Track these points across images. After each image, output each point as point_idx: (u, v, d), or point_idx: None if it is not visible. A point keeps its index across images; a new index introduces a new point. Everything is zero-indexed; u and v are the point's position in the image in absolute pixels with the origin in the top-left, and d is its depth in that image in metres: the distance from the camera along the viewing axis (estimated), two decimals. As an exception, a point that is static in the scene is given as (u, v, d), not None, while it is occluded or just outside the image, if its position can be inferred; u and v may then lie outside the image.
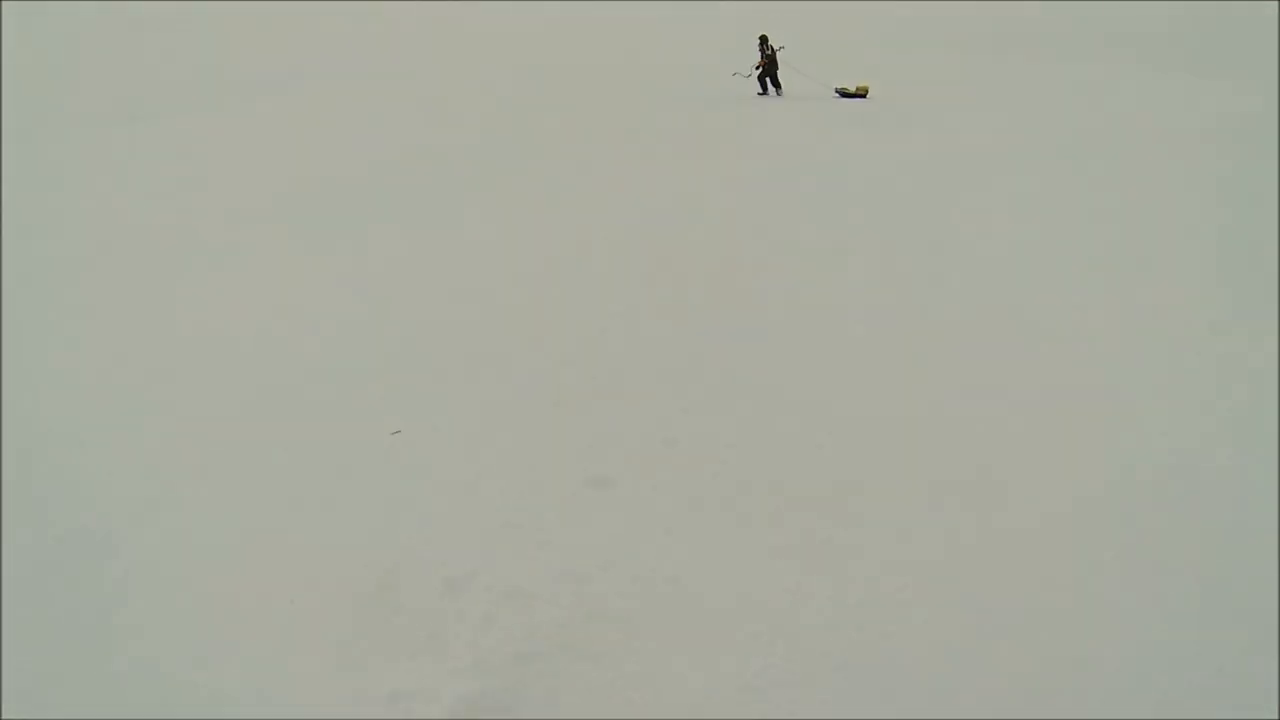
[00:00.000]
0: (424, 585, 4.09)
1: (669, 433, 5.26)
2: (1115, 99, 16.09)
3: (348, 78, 20.57)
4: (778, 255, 8.30)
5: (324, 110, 17.01)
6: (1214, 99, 15.55)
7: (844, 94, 17.67)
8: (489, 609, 3.94)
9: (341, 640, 3.80)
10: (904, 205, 9.81)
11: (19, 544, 4.52)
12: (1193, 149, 12.14)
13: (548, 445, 5.20)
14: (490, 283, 7.80)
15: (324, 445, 5.27)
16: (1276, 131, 12.44)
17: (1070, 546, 4.25)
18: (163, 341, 6.82)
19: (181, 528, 4.58)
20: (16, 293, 7.88)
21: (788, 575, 4.09)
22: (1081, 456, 4.95)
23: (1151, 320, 6.62)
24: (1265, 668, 3.55)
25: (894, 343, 6.39)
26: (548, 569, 4.17)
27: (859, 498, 4.63)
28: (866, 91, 17.59)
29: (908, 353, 6.22)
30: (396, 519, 4.57)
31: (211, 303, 7.56)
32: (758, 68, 18.31)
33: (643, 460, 5.00)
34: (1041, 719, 3.36)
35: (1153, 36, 23.96)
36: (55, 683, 3.68)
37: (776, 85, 18.24)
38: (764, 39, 18.24)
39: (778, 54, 18.21)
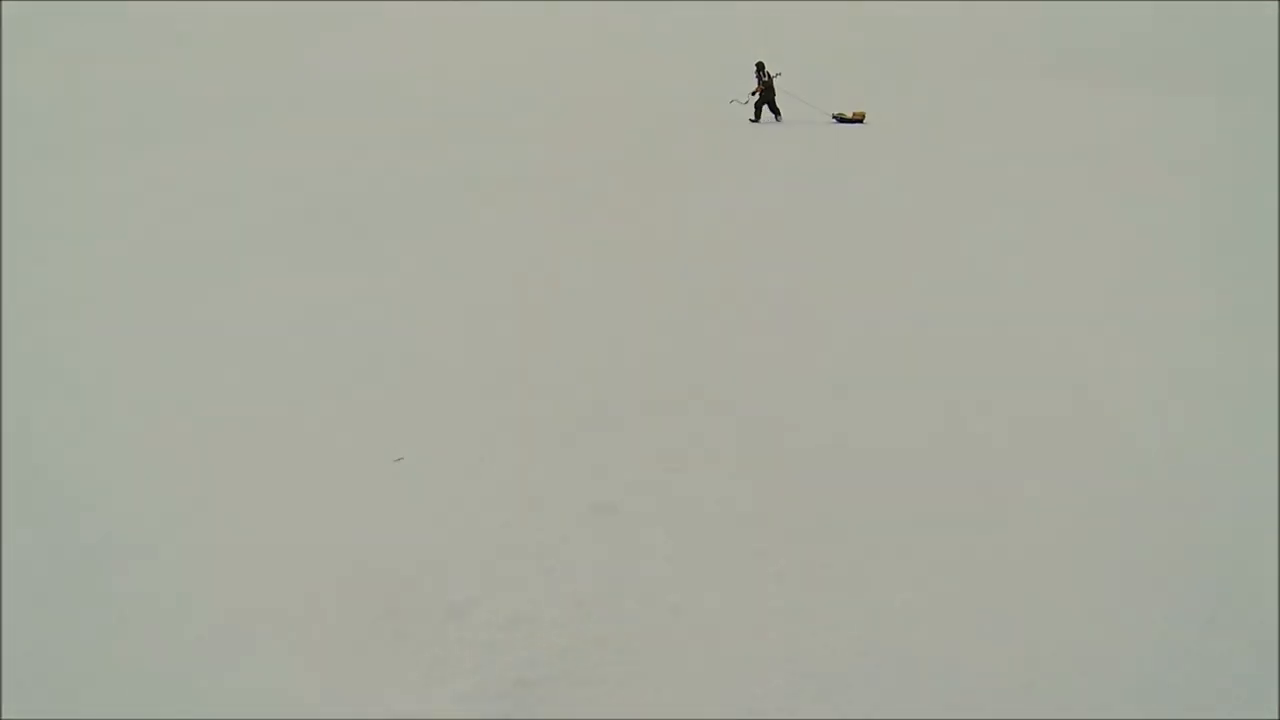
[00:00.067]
0: (428, 610, 4.14)
1: (672, 460, 5.33)
2: (1115, 120, 16.27)
3: (358, 94, 20.72)
4: (780, 283, 8.38)
5: (343, 128, 17.09)
6: (1211, 118, 15.76)
7: (841, 119, 17.87)
8: (492, 634, 3.99)
9: (346, 664, 3.84)
10: (906, 228, 9.92)
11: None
12: (1192, 170, 12.33)
13: (551, 471, 5.26)
14: (488, 306, 7.86)
15: (326, 471, 5.32)
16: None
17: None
18: (173, 360, 6.87)
19: (189, 549, 4.63)
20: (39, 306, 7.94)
21: (789, 602, 4.14)
22: (1088, 475, 5.05)
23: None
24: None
25: (896, 365, 6.50)
26: (550, 595, 4.21)
27: (862, 525, 4.69)
28: (863, 117, 17.79)
29: (910, 375, 6.33)
30: (400, 544, 4.62)
31: (221, 316, 7.62)
32: (754, 94, 18.48)
33: (645, 487, 5.06)
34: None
35: (1162, 53, 24.15)
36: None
37: (775, 111, 18.41)
38: (760, 65, 18.42)
39: (774, 80, 18.39)
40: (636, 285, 8.37)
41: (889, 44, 27.83)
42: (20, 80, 21.77)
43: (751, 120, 18.59)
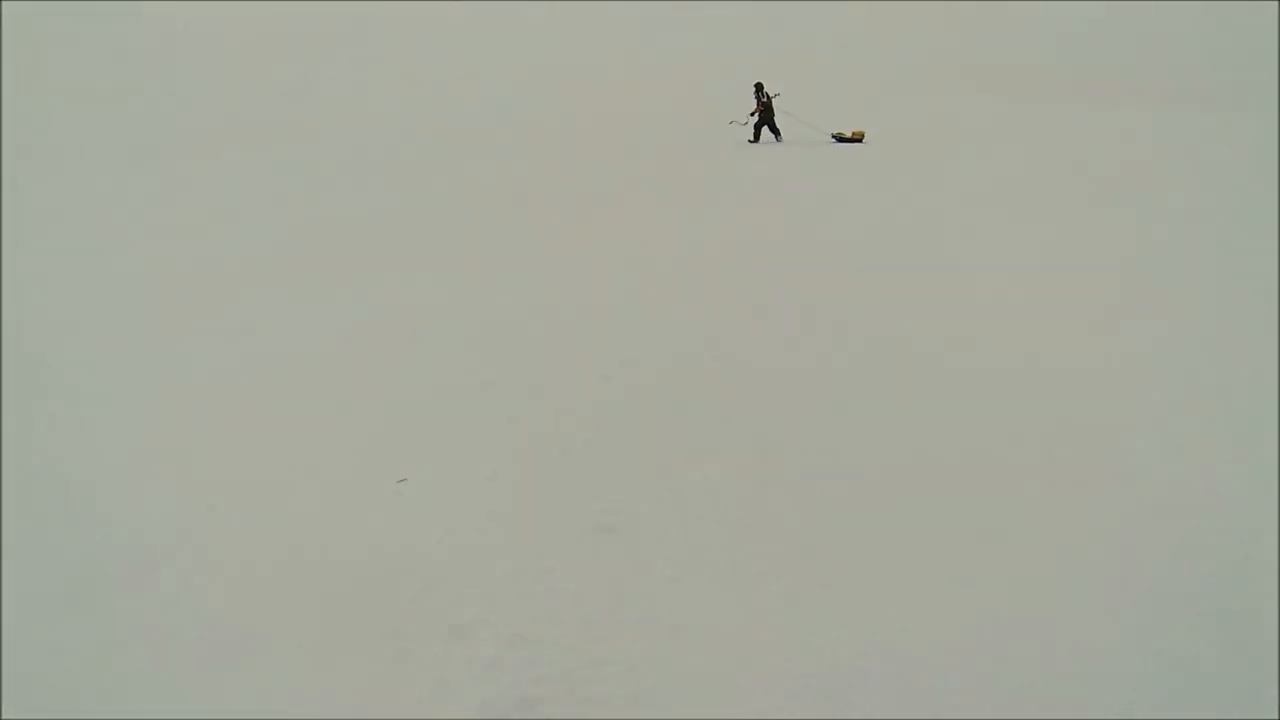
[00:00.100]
0: (431, 631, 4.12)
1: (674, 480, 5.32)
2: (1117, 139, 16.39)
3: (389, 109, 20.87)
4: (788, 302, 8.42)
5: (349, 141, 17.22)
6: (1218, 135, 15.90)
7: (840, 139, 18.01)
8: (495, 655, 3.97)
9: (348, 685, 3.82)
10: (904, 242, 9.97)
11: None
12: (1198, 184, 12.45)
13: (553, 491, 5.26)
14: (499, 326, 7.89)
15: (327, 490, 5.31)
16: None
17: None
18: (174, 375, 6.88)
19: (188, 565, 4.61)
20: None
21: (793, 623, 4.12)
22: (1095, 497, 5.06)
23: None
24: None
25: (899, 378, 6.55)
26: (553, 615, 4.20)
27: (868, 546, 4.68)
28: (863, 136, 17.93)
29: (914, 396, 6.35)
30: (402, 564, 4.61)
31: (221, 340, 7.64)
32: (754, 114, 18.62)
33: (648, 508, 5.06)
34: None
35: (1161, 70, 24.34)
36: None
37: (775, 131, 18.54)
38: (759, 86, 18.57)
39: (773, 100, 18.54)
40: (635, 300, 8.40)
41: (892, 57, 28.01)
42: (20, 80, 21.96)
43: (751, 141, 18.71)
